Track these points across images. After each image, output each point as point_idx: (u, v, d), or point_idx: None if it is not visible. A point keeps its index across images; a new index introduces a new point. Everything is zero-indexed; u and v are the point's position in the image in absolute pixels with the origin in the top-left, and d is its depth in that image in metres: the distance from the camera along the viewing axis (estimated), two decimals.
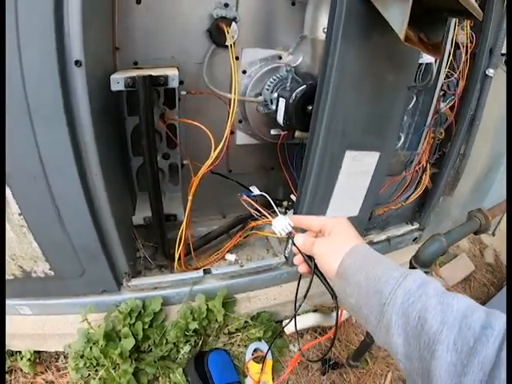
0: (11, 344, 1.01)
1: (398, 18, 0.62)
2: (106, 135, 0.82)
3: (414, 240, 1.40)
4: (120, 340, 0.99)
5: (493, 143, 1.34)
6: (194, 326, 1.03)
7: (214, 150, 0.90)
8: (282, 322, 1.19)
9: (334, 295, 0.49)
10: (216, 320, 1.07)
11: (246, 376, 1.06)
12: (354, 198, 1.06)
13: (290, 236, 0.55)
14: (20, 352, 1.02)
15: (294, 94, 0.90)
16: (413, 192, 1.22)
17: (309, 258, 0.52)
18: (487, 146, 1.34)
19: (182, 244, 0.99)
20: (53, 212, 0.80)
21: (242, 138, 1.17)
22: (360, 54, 0.78)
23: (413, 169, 1.18)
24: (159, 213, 0.95)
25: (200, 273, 1.08)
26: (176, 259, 1.06)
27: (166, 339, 1.05)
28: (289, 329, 1.06)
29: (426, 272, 0.84)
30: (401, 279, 0.39)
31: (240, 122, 1.15)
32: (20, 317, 1.00)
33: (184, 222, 0.98)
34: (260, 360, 1.09)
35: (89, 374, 0.96)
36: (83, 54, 0.66)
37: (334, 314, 1.12)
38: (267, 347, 1.09)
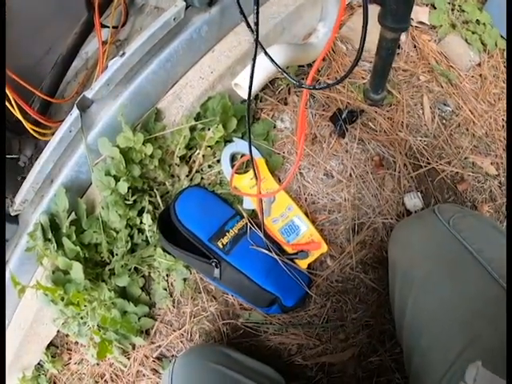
0: None
1: None
2: None
3: None
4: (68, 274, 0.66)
5: None
6: (123, 187, 0.63)
7: None
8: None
9: None
10: (150, 156, 0.65)
11: (241, 199, 0.68)
12: None
13: None
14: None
15: None
16: None
17: None
18: None
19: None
20: None
21: None
22: None
23: None
24: None
25: (74, 113, 0.61)
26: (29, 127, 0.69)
27: (114, 229, 0.67)
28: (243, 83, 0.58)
29: None
30: None
31: None
32: None
33: None
34: (246, 167, 0.70)
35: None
36: None
37: (314, 40, 0.66)
38: (244, 144, 0.68)
